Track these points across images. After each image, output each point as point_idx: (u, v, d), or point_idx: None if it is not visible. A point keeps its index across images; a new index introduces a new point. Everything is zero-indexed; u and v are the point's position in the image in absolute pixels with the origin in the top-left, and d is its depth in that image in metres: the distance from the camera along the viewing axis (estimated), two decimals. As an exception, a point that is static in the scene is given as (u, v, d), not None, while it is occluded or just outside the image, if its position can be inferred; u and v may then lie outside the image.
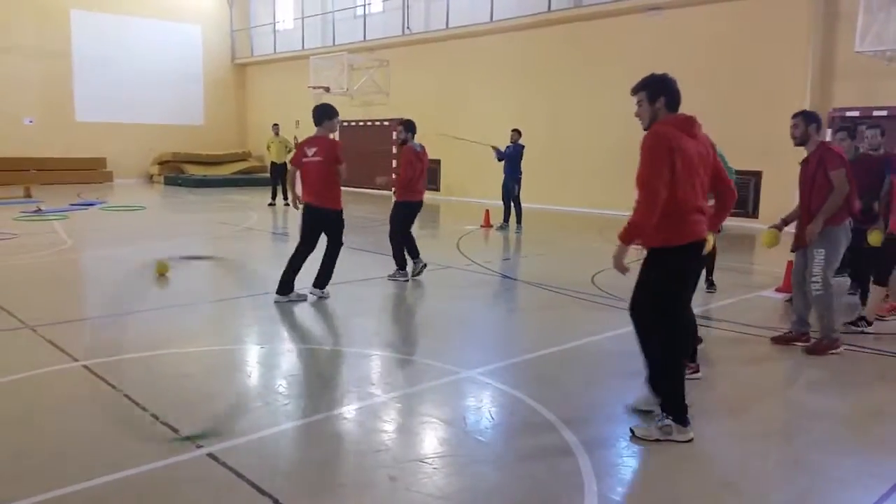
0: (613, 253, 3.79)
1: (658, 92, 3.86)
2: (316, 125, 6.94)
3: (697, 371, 4.85)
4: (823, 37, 12.79)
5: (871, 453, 3.85)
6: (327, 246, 7.09)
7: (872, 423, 4.30)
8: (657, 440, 3.80)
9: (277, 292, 6.89)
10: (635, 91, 3.93)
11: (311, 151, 6.86)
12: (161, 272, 8.10)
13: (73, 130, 23.51)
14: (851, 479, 3.52)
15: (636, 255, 3.85)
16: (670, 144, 3.65)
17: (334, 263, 7.11)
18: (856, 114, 12.15)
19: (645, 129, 3.88)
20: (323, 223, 7.00)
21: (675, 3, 14.54)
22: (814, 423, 4.28)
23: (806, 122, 5.55)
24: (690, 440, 3.81)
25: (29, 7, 22.57)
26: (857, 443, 4.00)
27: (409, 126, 8.37)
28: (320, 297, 7.07)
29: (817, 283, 5.43)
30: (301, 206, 7.06)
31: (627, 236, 3.71)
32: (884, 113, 11.64)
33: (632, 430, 3.90)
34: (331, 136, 7.05)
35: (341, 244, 7.10)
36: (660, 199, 3.61)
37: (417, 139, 8.37)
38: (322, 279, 7.12)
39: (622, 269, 3.78)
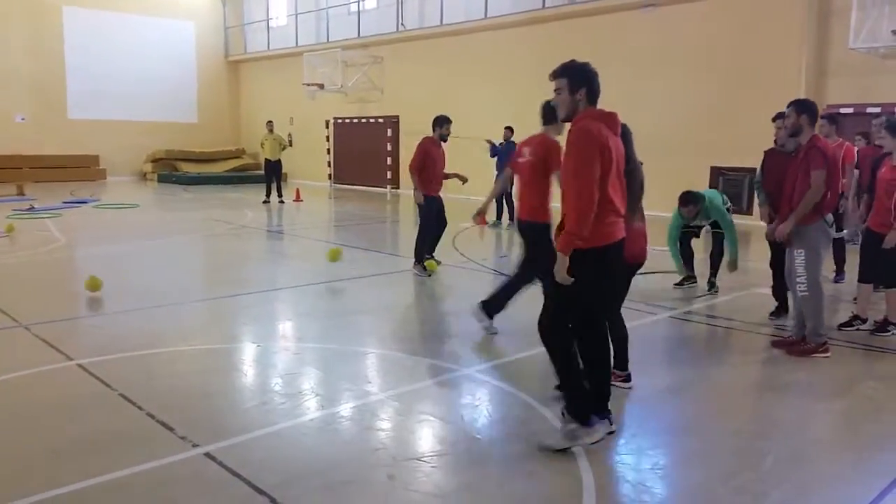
0: (555, 266, 3.51)
1: (580, 82, 3.62)
2: (545, 124, 5.64)
3: (629, 380, 4.58)
4: (817, 34, 12.81)
5: (869, 450, 3.85)
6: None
7: (869, 419, 4.31)
8: (565, 448, 3.61)
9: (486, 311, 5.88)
10: (555, 76, 3.68)
11: (526, 151, 5.70)
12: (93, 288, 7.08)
13: (66, 128, 23.36)
14: (850, 476, 3.53)
15: None
16: (601, 143, 3.45)
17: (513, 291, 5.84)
18: (850, 111, 12.19)
19: (562, 121, 3.76)
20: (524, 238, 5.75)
21: (670, -1, 14.55)
22: (811, 420, 4.29)
23: (798, 112, 5.41)
24: (600, 440, 3.62)
25: (21, 4, 22.41)
26: (854, 440, 4.01)
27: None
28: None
29: (802, 284, 5.34)
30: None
31: (566, 246, 3.48)
32: (878, 109, 11.66)
33: (541, 442, 3.71)
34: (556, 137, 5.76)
35: (532, 269, 5.70)
36: (594, 203, 3.41)
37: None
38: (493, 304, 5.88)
39: (565, 281, 3.51)
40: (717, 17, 14.00)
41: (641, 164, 4.26)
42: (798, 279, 5.37)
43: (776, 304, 6.51)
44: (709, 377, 4.96)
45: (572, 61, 3.72)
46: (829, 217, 5.43)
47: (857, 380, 5.11)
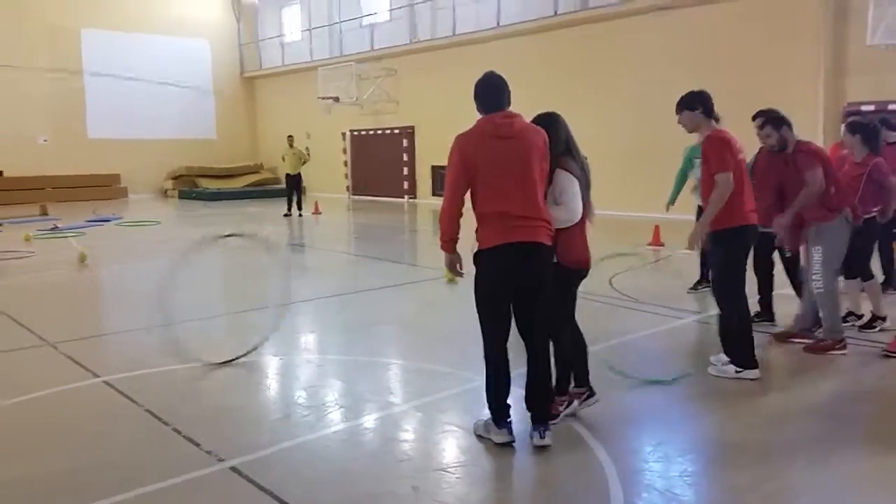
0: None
1: (476, 97, 3.98)
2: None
3: (572, 402, 4.22)
4: (834, 31, 12.68)
5: (901, 452, 3.78)
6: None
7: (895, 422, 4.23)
8: (480, 436, 3.87)
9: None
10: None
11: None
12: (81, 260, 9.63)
13: (87, 147, 23.71)
14: (883, 479, 3.46)
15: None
16: (462, 150, 3.67)
17: None
18: (871, 108, 12.02)
19: None
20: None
21: (683, 2, 14.46)
22: (838, 422, 4.20)
23: (777, 127, 5.49)
24: (505, 443, 3.74)
25: (40, 27, 22.83)
26: (884, 442, 3.92)
27: None
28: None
29: (818, 281, 5.33)
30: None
31: (442, 244, 3.83)
32: (898, 106, 11.51)
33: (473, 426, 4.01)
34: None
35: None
36: (455, 205, 3.69)
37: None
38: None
39: (455, 273, 3.93)
40: (730, 19, 13.90)
41: (586, 158, 4.36)
42: (814, 276, 5.37)
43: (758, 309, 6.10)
44: (735, 381, 4.89)
45: (479, 78, 4.02)
46: (849, 214, 5.39)
47: (882, 378, 5.01)
